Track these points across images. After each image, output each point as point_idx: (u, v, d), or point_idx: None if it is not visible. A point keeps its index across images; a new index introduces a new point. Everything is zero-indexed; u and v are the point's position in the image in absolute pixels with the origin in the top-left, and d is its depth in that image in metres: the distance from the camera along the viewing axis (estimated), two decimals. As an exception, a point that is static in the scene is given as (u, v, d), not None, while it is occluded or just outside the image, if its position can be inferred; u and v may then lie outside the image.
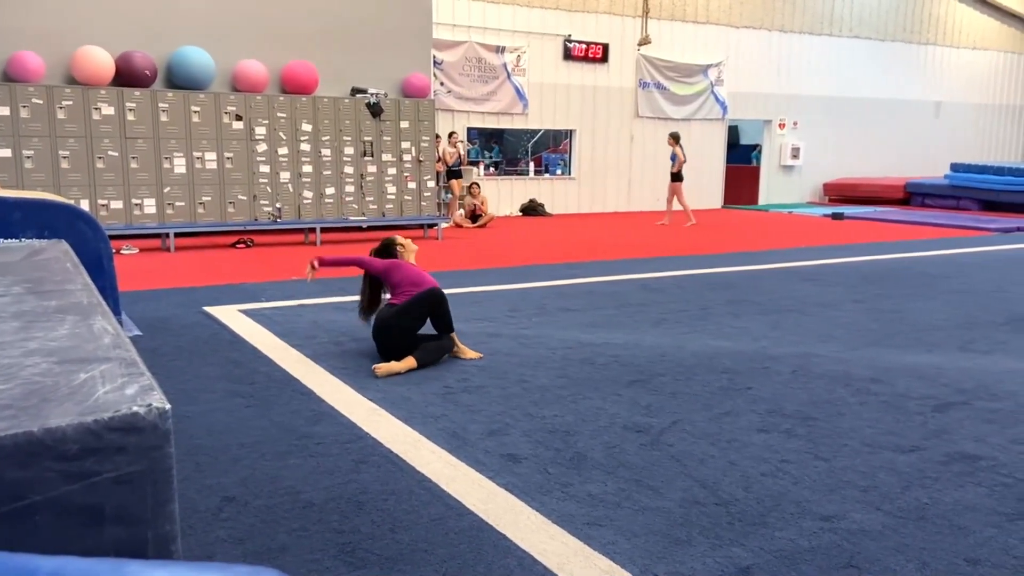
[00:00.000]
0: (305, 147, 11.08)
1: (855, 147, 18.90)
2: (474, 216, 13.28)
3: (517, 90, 14.95)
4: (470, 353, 4.95)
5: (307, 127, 11.05)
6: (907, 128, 19.42)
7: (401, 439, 3.50)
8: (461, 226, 13.05)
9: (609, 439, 3.51)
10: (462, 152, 13.99)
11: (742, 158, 18.74)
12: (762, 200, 18.20)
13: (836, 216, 15.00)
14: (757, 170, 18.36)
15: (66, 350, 1.64)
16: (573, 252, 10.00)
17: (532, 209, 15.38)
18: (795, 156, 18.25)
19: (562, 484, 3.04)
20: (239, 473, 3.12)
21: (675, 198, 13.69)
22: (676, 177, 13.72)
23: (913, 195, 17.41)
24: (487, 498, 2.92)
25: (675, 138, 13.83)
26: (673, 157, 13.80)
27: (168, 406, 1.31)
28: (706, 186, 17.36)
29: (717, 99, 17.00)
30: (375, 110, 11.34)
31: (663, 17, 16.03)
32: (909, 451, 3.40)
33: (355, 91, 11.47)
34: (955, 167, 16.97)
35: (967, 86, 20.34)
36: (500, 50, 14.69)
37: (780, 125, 18.02)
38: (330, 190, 11.33)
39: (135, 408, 1.27)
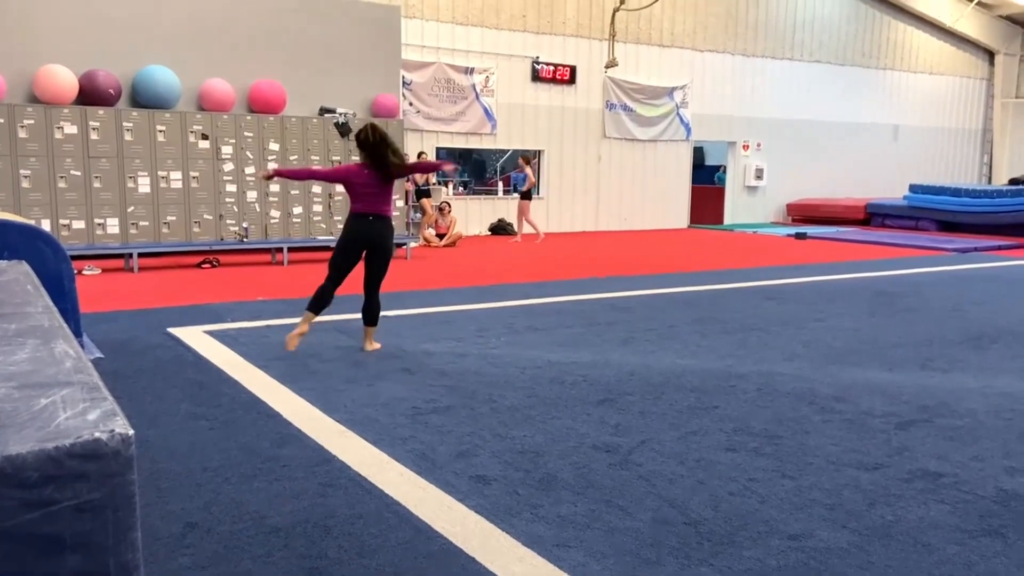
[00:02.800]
0: (273, 166, 11.00)
1: (817, 168, 19.26)
2: (440, 235, 13.30)
3: (486, 110, 15.03)
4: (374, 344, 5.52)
5: (275, 146, 10.99)
6: (867, 150, 19.85)
7: (369, 461, 3.47)
8: (430, 244, 13.05)
9: (578, 459, 3.52)
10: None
11: (708, 178, 19.00)
12: (727, 220, 18.45)
13: (799, 236, 15.25)
14: (722, 190, 18.62)
15: (26, 374, 1.60)
16: (541, 271, 10.04)
17: (501, 228, 15.42)
18: (759, 177, 18.55)
19: (532, 506, 3.03)
20: (203, 498, 3.06)
21: (524, 216, 14.11)
22: (525, 196, 14.15)
23: (873, 215, 17.76)
24: (456, 521, 2.90)
25: (526, 160, 14.07)
26: (524, 178, 14.08)
27: (131, 432, 1.29)
28: (673, 206, 17.57)
29: (682, 121, 17.25)
30: (343, 130, 11.32)
31: (629, 40, 16.25)
32: (873, 468, 3.45)
33: (323, 111, 11.44)
34: (913, 188, 17.36)
35: (924, 110, 20.87)
36: (469, 71, 14.78)
37: (744, 147, 18.32)
38: (298, 209, 11.25)
39: (97, 434, 1.24)
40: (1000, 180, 21.53)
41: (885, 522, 2.92)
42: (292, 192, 11.19)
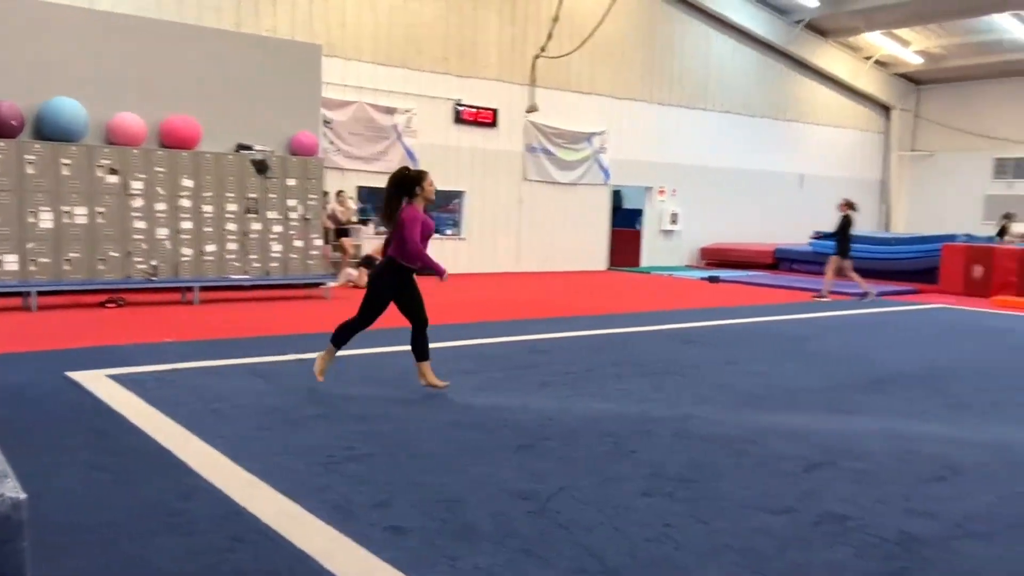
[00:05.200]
0: (185, 203, 10.70)
1: (729, 214, 19.96)
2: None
3: (407, 151, 15.05)
4: (434, 380, 5.55)
5: (188, 182, 10.69)
6: (775, 197, 20.71)
7: (281, 513, 3.35)
8: (354, 284, 12.86)
9: (497, 508, 3.49)
10: (352, 209, 13.89)
11: (626, 222, 19.45)
12: (644, 262, 18.88)
13: (712, 279, 15.72)
14: (639, 234, 19.07)
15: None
16: (462, 313, 10.02)
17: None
18: (674, 222, 19.10)
19: (449, 557, 2.98)
20: (102, 556, 2.90)
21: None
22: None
23: (781, 260, 18.48)
24: (370, 574, 2.83)
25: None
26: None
27: (23, 495, 1.21)
28: (592, 248, 17.88)
29: (601, 165, 17.66)
30: (261, 167, 11.13)
31: (550, 86, 16.61)
32: (783, 512, 3.54)
33: (240, 147, 11.23)
34: (818, 235, 18.18)
35: (828, 160, 21.96)
36: (390, 111, 14.80)
37: (660, 192, 18.86)
38: (211, 247, 10.94)
39: (-17, 502, 1.16)
40: (897, 228, 22.77)
41: (795, 565, 2.99)
42: (206, 229, 10.89)
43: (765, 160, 20.40)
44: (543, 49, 16.14)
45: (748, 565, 2.98)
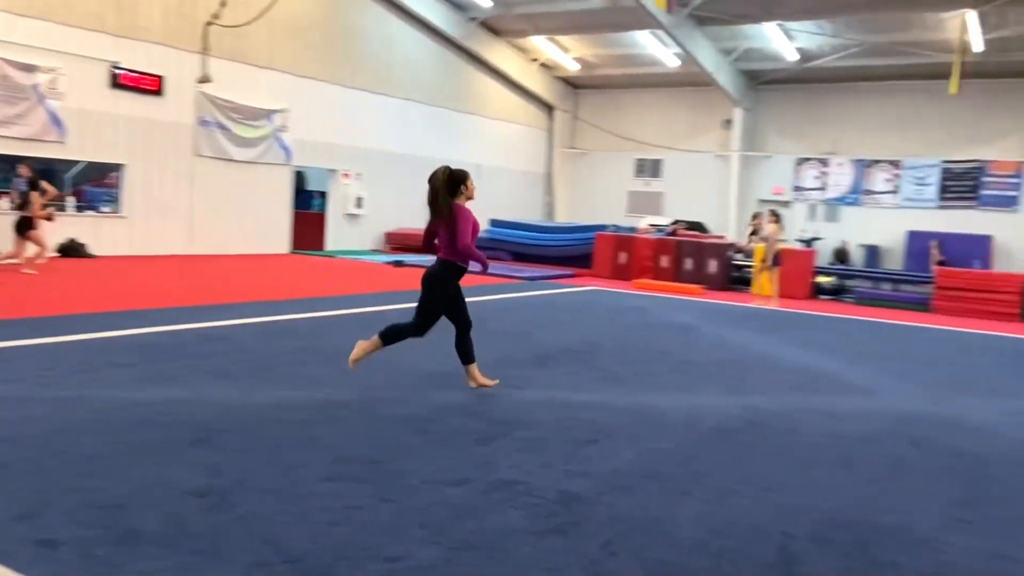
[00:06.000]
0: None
1: (413, 200, 20.40)
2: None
3: (52, 115, 13.22)
4: (485, 380, 5.64)
5: None
6: (454, 185, 21.65)
7: None
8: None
9: (169, 508, 3.24)
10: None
11: (310, 204, 19.04)
12: (329, 246, 18.66)
13: (397, 264, 16.03)
14: (323, 217, 18.80)
15: None
16: (124, 299, 9.09)
17: (72, 249, 13.62)
18: (359, 205, 19.12)
19: (111, 566, 2.72)
20: None
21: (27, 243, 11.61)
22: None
23: (460, 245, 19.44)
24: (13, 599, 2.48)
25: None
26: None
27: None
28: (273, 230, 17.23)
29: (282, 144, 17.06)
30: None
31: (224, 56, 15.62)
32: (460, 484, 3.75)
33: None
34: (494, 223, 19.41)
35: (502, 152, 23.48)
36: (30, 69, 12.87)
37: (344, 175, 18.74)
38: None
39: None
40: (560, 218, 25.08)
41: (469, 533, 3.19)
42: None
43: (447, 149, 21.21)
44: (216, 16, 15.13)
45: (428, 537, 3.12)
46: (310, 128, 17.60)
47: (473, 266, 5.51)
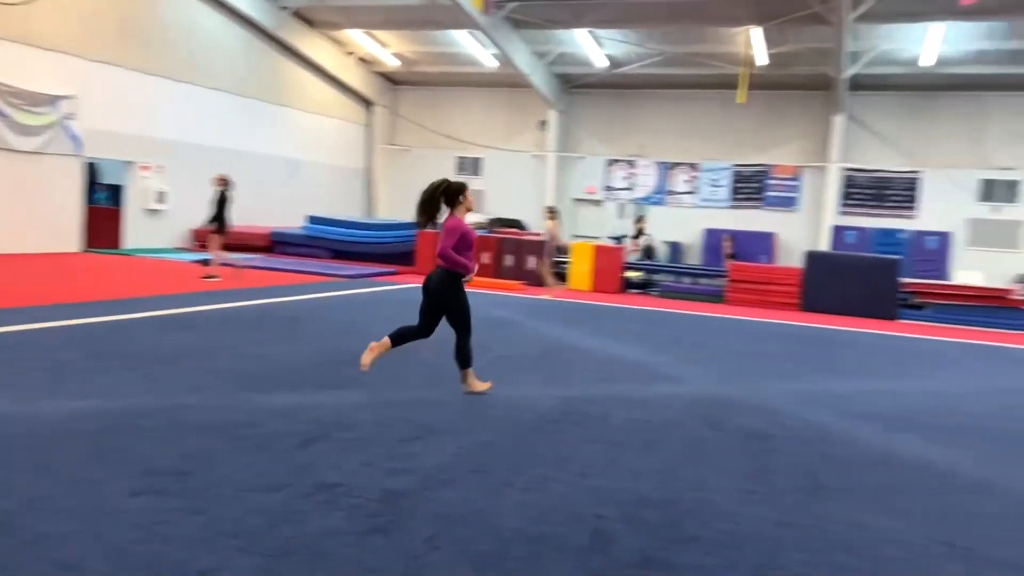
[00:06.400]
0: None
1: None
2: None
3: None
4: (480, 385, 5.84)
5: None
6: (271, 181, 20.81)
7: None
8: None
9: (-61, 538, 2.90)
10: None
11: (104, 199, 17.57)
12: (128, 244, 17.33)
13: (204, 263, 15.16)
14: (120, 212, 17.42)
15: None
16: None
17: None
18: (161, 200, 17.90)
19: None
20: None
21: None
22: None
23: (277, 243, 18.72)
24: None
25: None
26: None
27: None
28: (62, 227, 15.74)
29: (71, 133, 15.62)
30: None
31: (4, 37, 14.08)
32: (278, 489, 3.64)
33: None
34: (312, 219, 18.86)
35: (319, 147, 22.85)
36: None
37: (143, 168, 17.47)
38: None
39: None
40: (382, 215, 24.82)
41: (286, 539, 3.11)
42: None
43: (260, 143, 20.36)
44: (-8, -10, 13.60)
45: (243, 547, 3.00)
46: (104, 117, 16.22)
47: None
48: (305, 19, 20.93)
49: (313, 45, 21.56)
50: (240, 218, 19.79)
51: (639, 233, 19.60)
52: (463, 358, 5.80)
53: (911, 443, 5.30)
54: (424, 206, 5.65)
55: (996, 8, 14.89)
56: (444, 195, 5.66)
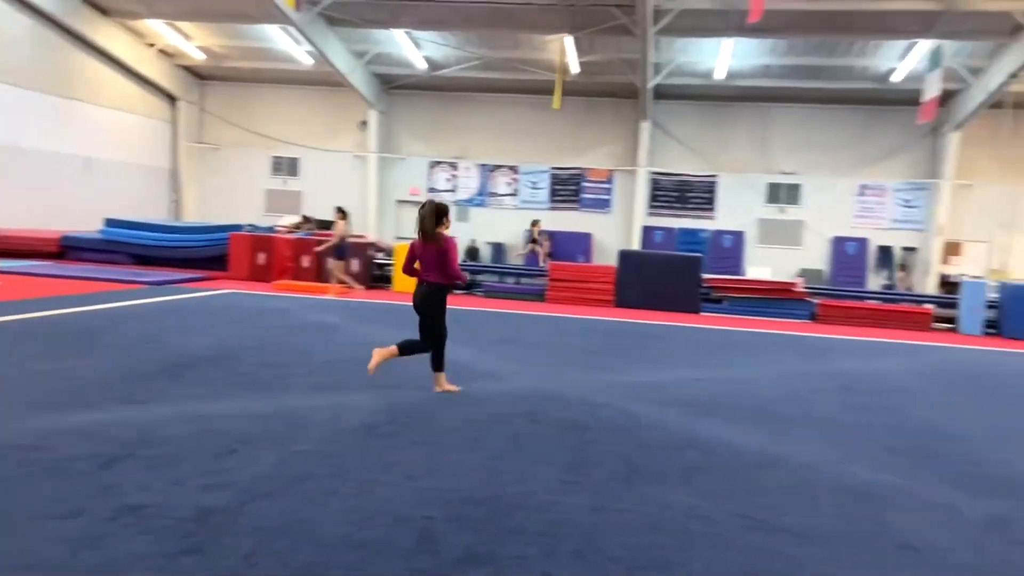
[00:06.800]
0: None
1: (6, 197, 17.57)
2: None
3: None
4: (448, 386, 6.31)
5: None
6: (62, 181, 19.04)
7: None
8: None
9: None
10: None
11: None
12: None
13: (-16, 271, 13.61)
14: None
15: None
16: None
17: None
18: (-71, 202, 15.88)
19: None
20: None
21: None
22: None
23: (69, 249, 17.15)
24: None
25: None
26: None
27: None
28: None
29: None
30: None
31: None
32: (76, 515, 3.35)
33: None
34: (110, 222, 17.44)
35: (117, 145, 21.16)
36: None
37: (-94, 165, 15.43)
38: None
39: None
40: (190, 217, 23.42)
41: (89, 567, 2.87)
42: None
43: (48, 139, 18.56)
44: None
45: (37, 581, 2.74)
46: None
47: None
48: (98, 7, 19.34)
49: (108, 35, 19.97)
50: (26, 221, 18.00)
51: (534, 240, 19.92)
52: (432, 361, 6.33)
53: (714, 427, 5.74)
54: (427, 221, 6.07)
55: (777, 27, 16.42)
56: (434, 216, 6.10)
